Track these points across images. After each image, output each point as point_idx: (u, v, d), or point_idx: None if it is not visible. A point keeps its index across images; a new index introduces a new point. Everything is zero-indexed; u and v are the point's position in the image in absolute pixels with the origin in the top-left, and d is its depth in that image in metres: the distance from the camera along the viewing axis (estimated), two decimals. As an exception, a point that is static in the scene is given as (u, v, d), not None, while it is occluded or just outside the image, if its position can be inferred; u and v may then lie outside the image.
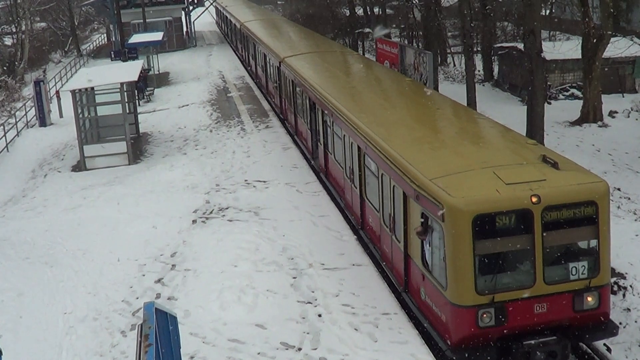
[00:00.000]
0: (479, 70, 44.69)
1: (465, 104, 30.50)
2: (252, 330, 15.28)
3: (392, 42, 40.33)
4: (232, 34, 68.57)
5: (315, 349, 14.38)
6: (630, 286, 17.36)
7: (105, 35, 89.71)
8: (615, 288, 17.29)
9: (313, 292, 16.74)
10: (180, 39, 72.76)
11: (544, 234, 13.00)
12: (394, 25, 64.16)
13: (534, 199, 12.92)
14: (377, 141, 17.03)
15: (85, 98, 31.37)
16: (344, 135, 20.25)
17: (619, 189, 23.80)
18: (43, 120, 39.02)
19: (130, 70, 32.37)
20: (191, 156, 29.54)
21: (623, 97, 37.72)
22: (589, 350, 15.23)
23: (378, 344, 14.34)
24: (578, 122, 33.27)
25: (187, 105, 41.15)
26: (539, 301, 13.18)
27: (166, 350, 11.37)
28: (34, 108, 40.00)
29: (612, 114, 34.14)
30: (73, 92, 28.79)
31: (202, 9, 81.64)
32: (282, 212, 21.90)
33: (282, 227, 20.74)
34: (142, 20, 63.05)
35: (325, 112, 22.61)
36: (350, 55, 33.50)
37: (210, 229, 21.16)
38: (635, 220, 21.21)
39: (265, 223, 21.20)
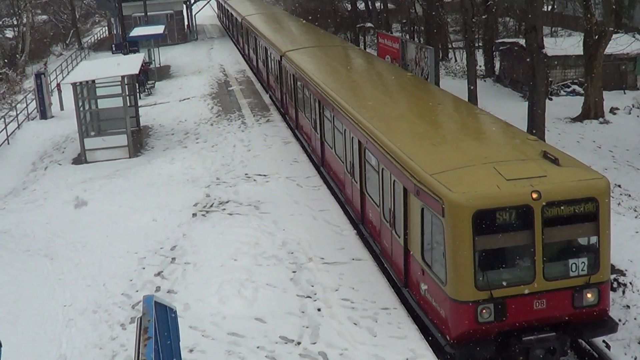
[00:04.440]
0: (480, 66, 44.62)
1: (466, 100, 30.47)
2: (252, 324, 15.29)
3: (394, 36, 40.31)
4: (233, 28, 68.51)
5: (315, 343, 14.39)
6: (630, 283, 17.35)
7: (106, 28, 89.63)
8: (615, 285, 17.29)
9: (312, 286, 16.75)
10: (181, 32, 72.70)
11: (544, 230, 12.99)
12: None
13: (535, 195, 12.92)
14: (378, 136, 17.02)
15: (86, 91, 31.35)
16: (345, 130, 20.24)
17: (619, 186, 23.78)
18: (44, 112, 39.01)
19: (131, 64, 32.35)
20: (192, 149, 29.53)
21: (624, 93, 37.68)
22: (588, 347, 15.25)
23: (377, 338, 14.35)
24: (579, 119, 33.24)
25: (188, 98, 41.14)
26: (539, 297, 13.18)
27: (165, 343, 11.37)
28: (34, 100, 40.00)
29: (613, 110, 34.10)
30: (74, 84, 28.76)
31: (204, 2, 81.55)
32: (282, 206, 21.91)
33: (282, 221, 20.74)
34: (143, 14, 62.98)
35: (326, 106, 22.60)
36: (352, 50, 33.47)
37: (210, 222, 21.16)
38: (636, 217, 21.19)
39: (265, 217, 21.20)
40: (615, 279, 17.35)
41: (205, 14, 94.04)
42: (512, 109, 33.22)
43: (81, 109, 29.74)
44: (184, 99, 41.03)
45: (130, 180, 25.84)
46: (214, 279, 17.37)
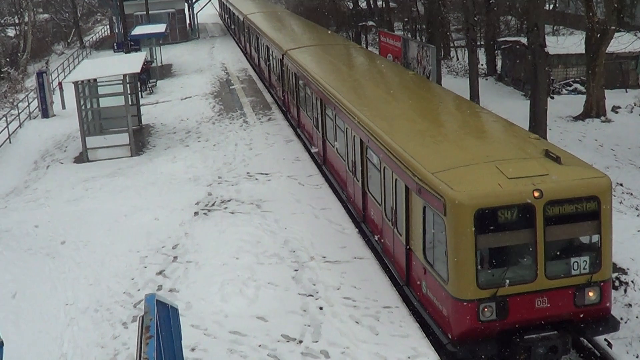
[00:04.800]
0: (482, 65, 44.61)
1: (468, 98, 30.46)
2: (253, 322, 15.29)
3: (395, 35, 40.27)
4: (235, 27, 68.51)
5: (317, 341, 14.40)
6: (632, 281, 17.34)
7: (108, 27, 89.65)
8: (617, 283, 17.28)
9: (314, 285, 16.75)
10: (183, 31, 72.69)
11: (546, 229, 12.98)
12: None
13: (536, 194, 12.91)
14: (380, 134, 17.01)
15: (87, 90, 31.36)
16: (347, 128, 20.24)
17: (621, 185, 23.76)
18: (45, 111, 39.01)
19: (132, 62, 32.34)
20: (193, 148, 29.54)
21: (626, 92, 37.67)
22: (590, 346, 15.24)
23: (379, 337, 14.35)
24: (581, 117, 33.23)
25: (190, 97, 41.14)
26: (540, 296, 13.18)
27: (167, 342, 11.39)
28: (36, 99, 40.01)
29: (615, 109, 34.08)
30: (75, 83, 28.77)
31: (205, 1, 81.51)
32: (284, 205, 21.91)
33: (283, 220, 20.74)
34: (145, 12, 62.96)
35: (328, 105, 22.59)
36: (353, 49, 33.46)
37: (212, 221, 21.17)
38: (637, 215, 21.18)
39: (267, 215, 21.20)
40: (616, 278, 17.35)
41: (206, 13, 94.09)
42: (514, 108, 33.20)
43: (83, 107, 29.75)
44: (186, 98, 41.04)
45: (132, 179, 25.86)
46: (216, 278, 17.38)
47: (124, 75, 29.47)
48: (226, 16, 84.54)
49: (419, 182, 14.11)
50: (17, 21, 64.04)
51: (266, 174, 25.11)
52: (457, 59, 52.19)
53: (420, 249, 14.45)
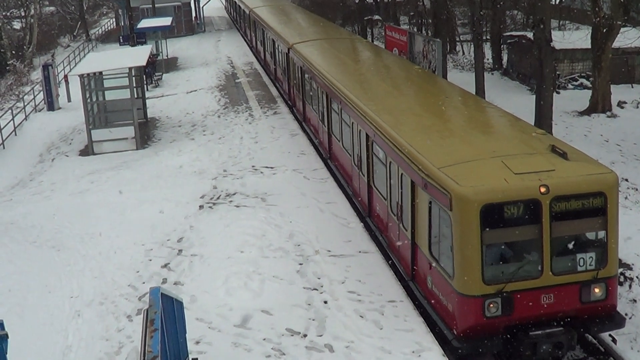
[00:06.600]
0: (488, 59, 44.47)
1: (474, 93, 30.38)
2: (258, 316, 15.30)
3: (401, 29, 40.21)
4: (241, 20, 68.47)
5: (321, 335, 14.40)
6: (637, 277, 17.29)
7: (114, 19, 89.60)
8: (622, 279, 17.23)
9: (319, 278, 16.75)
10: (189, 24, 72.64)
11: (552, 225, 12.95)
12: None
13: (543, 189, 12.88)
14: (386, 129, 16.98)
15: (93, 82, 31.37)
16: (353, 123, 20.21)
17: (627, 180, 23.69)
18: (51, 104, 39.07)
19: (138, 55, 32.34)
20: (199, 142, 29.54)
21: (632, 87, 37.52)
22: (594, 341, 15.21)
23: (383, 331, 14.35)
24: (587, 112, 33.13)
25: (196, 90, 41.13)
26: (546, 292, 13.15)
27: (172, 335, 11.39)
28: (42, 92, 40.06)
29: (621, 104, 33.97)
30: (81, 76, 28.79)
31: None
32: (289, 199, 21.90)
33: (288, 214, 20.73)
34: (151, 5, 62.91)
35: (334, 99, 22.56)
36: (359, 43, 33.39)
37: (217, 214, 21.18)
38: (643, 211, 21.12)
39: (272, 209, 21.20)
40: (622, 273, 17.28)
41: (212, 6, 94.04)
42: (520, 103, 33.10)
43: (88, 100, 29.77)
44: (192, 91, 41.03)
45: (137, 172, 25.88)
46: (221, 271, 17.39)
47: (130, 69, 29.51)
48: (232, 10, 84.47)
49: (425, 177, 14.09)
50: (23, 14, 64.01)
51: (271, 168, 25.11)
52: (463, 54, 52.07)
53: (426, 244, 14.43)
